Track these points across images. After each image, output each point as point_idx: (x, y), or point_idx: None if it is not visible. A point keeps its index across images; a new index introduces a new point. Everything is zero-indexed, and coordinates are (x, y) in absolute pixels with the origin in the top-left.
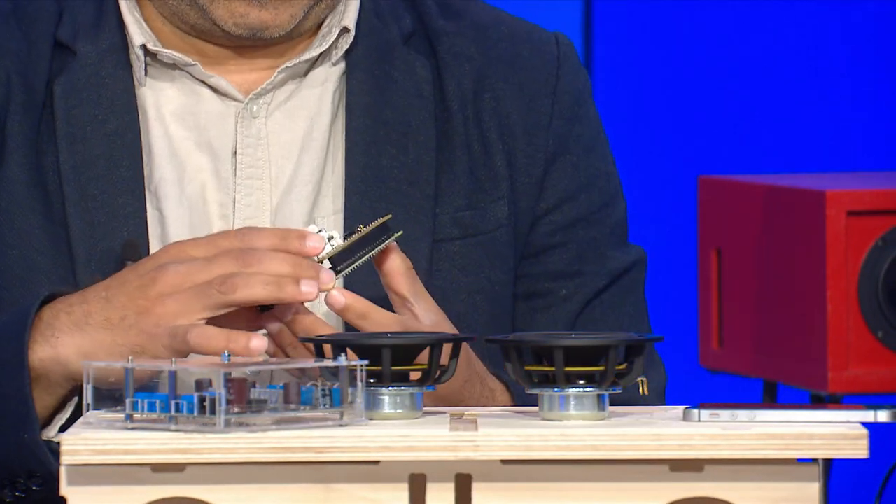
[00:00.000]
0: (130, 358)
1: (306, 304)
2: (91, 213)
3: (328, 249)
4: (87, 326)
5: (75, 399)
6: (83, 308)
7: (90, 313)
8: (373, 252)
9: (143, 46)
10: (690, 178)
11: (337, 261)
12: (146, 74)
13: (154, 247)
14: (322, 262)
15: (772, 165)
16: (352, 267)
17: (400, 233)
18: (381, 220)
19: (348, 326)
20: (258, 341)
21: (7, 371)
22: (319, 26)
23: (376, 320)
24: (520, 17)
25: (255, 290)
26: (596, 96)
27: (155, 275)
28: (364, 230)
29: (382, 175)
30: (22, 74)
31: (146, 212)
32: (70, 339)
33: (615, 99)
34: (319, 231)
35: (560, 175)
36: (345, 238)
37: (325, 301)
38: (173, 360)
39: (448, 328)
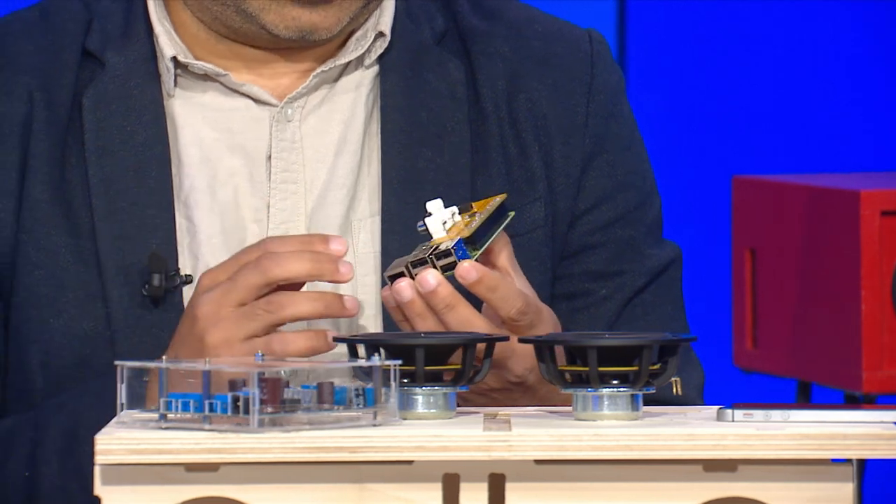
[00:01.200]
0: (164, 357)
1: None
2: (120, 226)
3: (448, 225)
4: None
5: None
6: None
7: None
8: (501, 228)
9: (174, 58)
10: (724, 177)
11: (476, 237)
12: (176, 85)
13: (183, 257)
14: (461, 240)
15: (806, 165)
16: (487, 243)
17: (513, 213)
18: (500, 199)
19: (476, 300)
20: (332, 335)
21: None
22: (354, 30)
23: (504, 294)
24: (552, 15)
25: (302, 306)
26: (629, 95)
27: (194, 312)
28: (486, 207)
29: (418, 177)
30: (45, 90)
31: (175, 222)
32: None
33: (649, 98)
34: (446, 208)
35: (597, 175)
36: (460, 212)
37: (457, 274)
38: (207, 359)
39: (542, 306)
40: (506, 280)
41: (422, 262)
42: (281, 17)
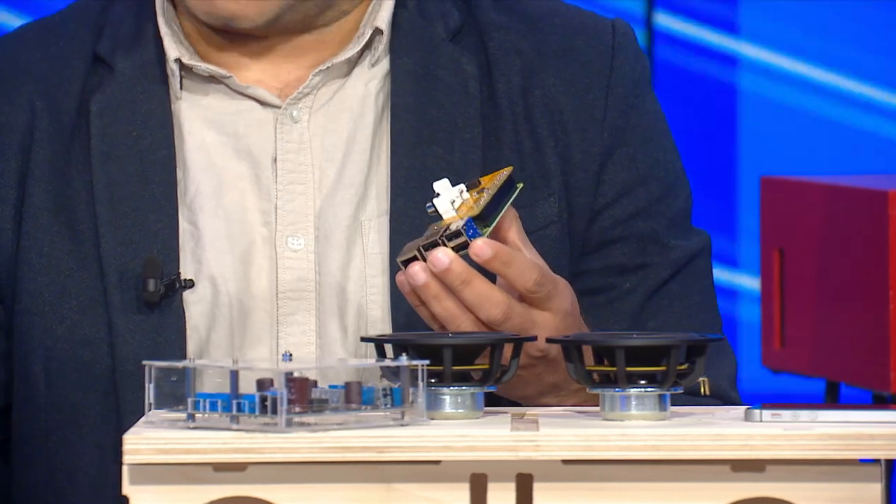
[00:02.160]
0: (192, 357)
1: None
2: (123, 231)
3: (457, 203)
4: None
5: None
6: None
7: None
8: (510, 202)
9: (178, 60)
10: (753, 177)
11: (486, 214)
12: (182, 88)
13: (184, 262)
14: (471, 218)
15: (835, 166)
16: (497, 219)
17: (521, 185)
18: (507, 171)
19: (490, 275)
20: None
21: None
22: (356, 28)
23: (519, 268)
24: (576, 7)
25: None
26: (656, 92)
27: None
28: (492, 182)
29: (428, 176)
30: (48, 98)
31: (178, 227)
32: None
33: (676, 96)
34: (455, 186)
35: (617, 168)
36: (468, 189)
37: (471, 252)
38: (235, 359)
39: (557, 276)
40: (519, 253)
41: (433, 245)
42: (201, 4)
